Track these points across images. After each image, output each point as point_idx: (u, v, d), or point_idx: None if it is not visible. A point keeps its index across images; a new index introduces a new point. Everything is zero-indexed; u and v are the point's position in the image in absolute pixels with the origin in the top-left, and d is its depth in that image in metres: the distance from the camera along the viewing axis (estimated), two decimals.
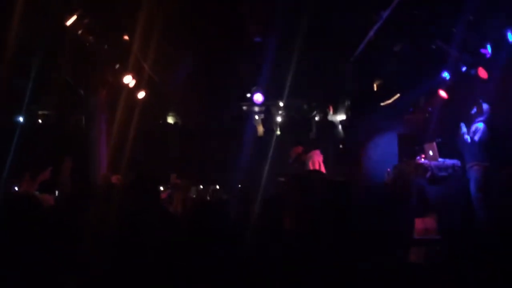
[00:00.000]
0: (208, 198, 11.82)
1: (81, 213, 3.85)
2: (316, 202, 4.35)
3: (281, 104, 14.90)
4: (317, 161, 9.80)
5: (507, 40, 8.14)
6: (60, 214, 3.92)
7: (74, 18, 7.76)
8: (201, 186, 12.13)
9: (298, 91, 13.25)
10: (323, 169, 9.73)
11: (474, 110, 8.74)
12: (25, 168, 7.57)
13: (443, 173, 8.67)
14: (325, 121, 14.28)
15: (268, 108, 14.77)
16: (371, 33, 9.86)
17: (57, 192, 7.24)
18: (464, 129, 8.80)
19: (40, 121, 12.55)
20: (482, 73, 8.99)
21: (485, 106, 8.67)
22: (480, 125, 8.56)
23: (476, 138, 8.48)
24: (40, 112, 12.47)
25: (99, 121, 10.38)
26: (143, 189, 4.53)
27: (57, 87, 9.78)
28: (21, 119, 11.13)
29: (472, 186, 8.20)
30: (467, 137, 8.62)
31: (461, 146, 8.86)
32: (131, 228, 3.78)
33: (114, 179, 8.01)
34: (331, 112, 14.81)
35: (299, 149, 10.48)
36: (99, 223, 3.66)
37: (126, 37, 9.37)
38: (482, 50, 8.85)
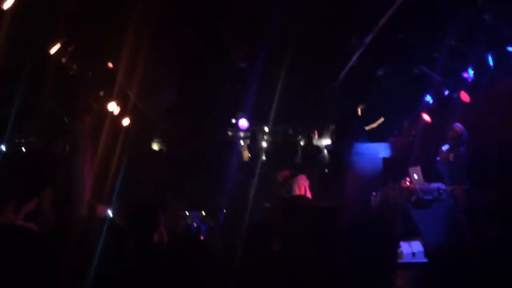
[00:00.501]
0: (195, 225, 11.74)
1: (64, 244, 3.80)
2: (301, 228, 4.34)
3: (266, 129, 14.95)
4: (303, 185, 9.77)
5: (488, 64, 8.27)
6: (43, 245, 3.87)
7: (58, 46, 7.77)
8: (187, 213, 12.05)
9: (283, 116, 13.30)
10: (308, 194, 9.70)
11: (450, 133, 8.85)
12: (9, 197, 7.47)
13: (429, 197, 8.70)
14: (310, 145, 14.32)
15: (253, 133, 14.80)
16: (355, 58, 9.95)
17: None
18: (444, 152, 8.90)
19: (23, 149, 12.44)
20: (465, 96, 9.11)
21: (460, 129, 8.78)
22: (459, 149, 8.67)
23: (456, 161, 8.59)
24: (23, 140, 12.39)
25: (84, 148, 10.31)
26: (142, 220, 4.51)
27: (41, 114, 9.73)
28: (3, 147, 11.03)
29: (455, 209, 8.27)
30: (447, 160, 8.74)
31: (441, 169, 8.95)
32: (116, 259, 3.75)
33: (100, 208, 7.92)
34: (316, 136, 14.88)
35: (286, 173, 10.47)
36: (81, 254, 3.61)
37: (110, 65, 9.37)
38: (464, 74, 8.97)
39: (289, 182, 10.07)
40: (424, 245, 8.29)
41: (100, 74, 9.42)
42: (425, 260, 8.06)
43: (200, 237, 4.31)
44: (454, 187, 8.51)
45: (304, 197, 8.76)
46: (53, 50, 7.76)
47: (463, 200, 8.23)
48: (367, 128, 12.59)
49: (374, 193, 9.90)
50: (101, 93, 9.84)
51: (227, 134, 15.36)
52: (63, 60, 8.14)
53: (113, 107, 9.94)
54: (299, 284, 3.65)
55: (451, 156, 8.71)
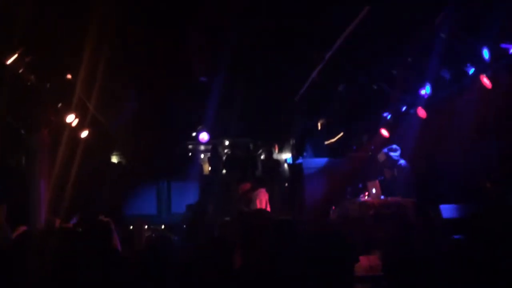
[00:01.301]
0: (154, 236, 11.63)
1: (22, 257, 3.75)
2: (261, 240, 4.35)
3: (226, 142, 14.96)
4: (264, 199, 9.80)
5: (444, 81, 8.46)
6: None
7: (15, 56, 7.62)
8: (146, 226, 11.93)
9: (244, 130, 13.34)
10: (268, 208, 9.72)
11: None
12: None
13: (386, 210, 8.81)
14: (270, 159, 14.36)
15: (214, 146, 14.77)
16: (315, 73, 10.06)
17: None
18: (388, 171, 9.18)
19: None
20: (421, 112, 9.30)
21: (381, 156, 9.14)
22: (398, 164, 8.95)
23: (400, 176, 8.85)
24: None
25: (40, 161, 10.14)
26: (95, 233, 4.48)
27: None
28: None
29: (406, 223, 8.40)
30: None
31: (391, 184, 9.16)
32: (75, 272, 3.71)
33: (58, 222, 7.80)
34: (276, 151, 14.93)
35: (247, 186, 10.46)
36: (40, 267, 3.56)
37: (69, 76, 9.25)
38: (421, 91, 9.15)
39: (249, 195, 10.08)
40: (382, 258, 8.36)
41: (59, 85, 9.27)
42: (381, 273, 8.13)
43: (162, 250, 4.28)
44: (402, 201, 8.68)
45: (263, 210, 8.77)
46: (10, 60, 7.61)
47: (411, 213, 8.38)
48: (326, 142, 12.71)
49: (333, 207, 9.97)
50: (59, 105, 9.68)
51: (188, 147, 15.29)
52: (20, 70, 7.99)
53: (72, 119, 9.80)
54: None
55: (395, 171, 9.02)
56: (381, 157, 9.38)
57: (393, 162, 9.19)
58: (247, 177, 12.59)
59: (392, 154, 9.21)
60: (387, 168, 9.29)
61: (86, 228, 4.91)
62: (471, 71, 8.05)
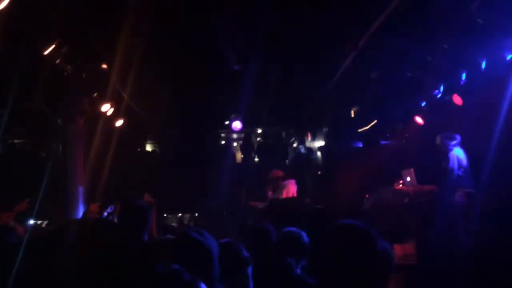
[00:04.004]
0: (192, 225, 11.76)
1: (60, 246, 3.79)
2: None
3: (259, 131, 14.98)
4: (291, 190, 9.83)
5: (480, 67, 8.31)
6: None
7: (52, 47, 7.75)
8: (180, 214, 12.06)
9: (277, 118, 13.34)
10: None
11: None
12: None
13: (421, 199, 8.73)
14: (303, 147, 14.35)
15: (246, 135, 14.82)
16: (348, 61, 9.98)
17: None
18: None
19: (15, 149, 12.40)
20: (457, 99, 9.15)
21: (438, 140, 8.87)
22: (459, 152, 8.68)
23: (458, 165, 8.62)
24: (16, 141, 12.35)
25: (76, 149, 10.30)
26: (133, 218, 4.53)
27: (34, 115, 9.71)
28: None
29: (456, 212, 8.22)
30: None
31: (445, 172, 8.93)
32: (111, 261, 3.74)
33: (93, 208, 7.94)
34: (309, 138, 14.91)
35: (278, 173, 10.49)
36: (77, 255, 3.61)
37: (104, 66, 9.36)
38: (457, 78, 9.00)
39: (278, 182, 10.12)
40: (417, 247, 8.31)
41: (94, 75, 9.40)
42: (417, 262, 8.08)
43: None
44: (456, 190, 8.45)
45: (296, 198, 8.80)
46: (47, 51, 7.74)
47: (465, 204, 8.20)
48: (360, 130, 12.63)
49: (367, 195, 9.93)
50: (95, 94, 9.83)
51: (221, 135, 15.38)
52: (57, 61, 8.12)
53: (107, 108, 9.94)
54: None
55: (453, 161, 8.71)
56: (437, 140, 9.00)
57: (445, 149, 8.81)
58: (279, 166, 12.61)
59: (446, 141, 8.82)
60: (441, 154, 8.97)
61: (119, 218, 4.95)
62: (509, 57, 7.89)
